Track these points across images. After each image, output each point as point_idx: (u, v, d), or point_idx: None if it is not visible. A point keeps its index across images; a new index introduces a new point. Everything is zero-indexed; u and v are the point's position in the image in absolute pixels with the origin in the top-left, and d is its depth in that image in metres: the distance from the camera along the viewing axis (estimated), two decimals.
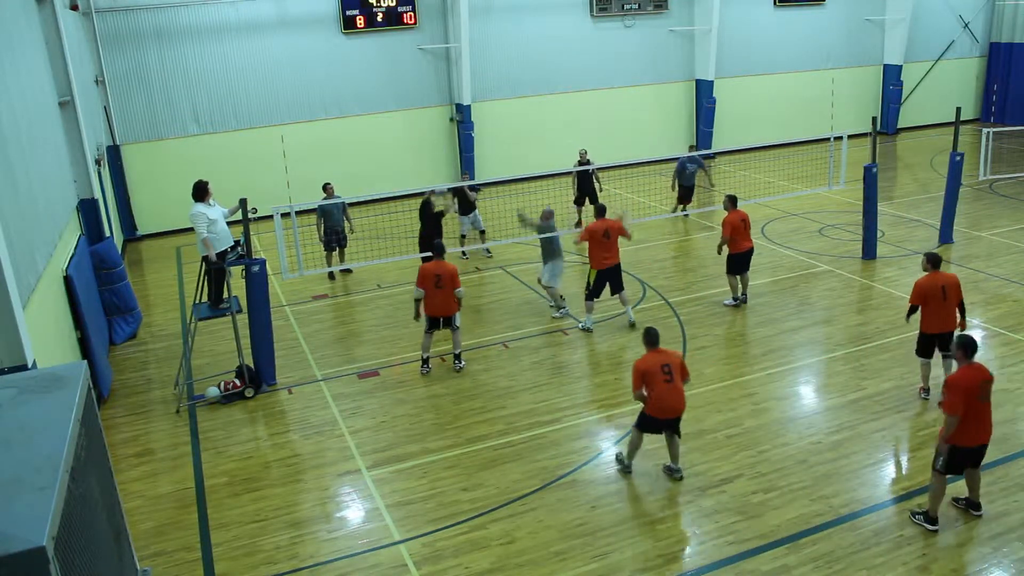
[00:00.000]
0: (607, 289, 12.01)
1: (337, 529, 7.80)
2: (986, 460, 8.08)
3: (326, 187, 15.02)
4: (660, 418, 7.96)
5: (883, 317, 12.01)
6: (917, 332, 9.36)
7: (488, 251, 16.29)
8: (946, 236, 15.19)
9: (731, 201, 12.48)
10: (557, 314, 12.70)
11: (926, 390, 9.44)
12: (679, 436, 8.19)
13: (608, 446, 8.95)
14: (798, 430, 8.95)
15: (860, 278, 13.78)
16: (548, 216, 12.50)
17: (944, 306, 9.01)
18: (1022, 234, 15.45)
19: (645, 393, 7.90)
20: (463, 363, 10.98)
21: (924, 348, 9.35)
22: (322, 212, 14.81)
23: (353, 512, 8.07)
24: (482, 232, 16.16)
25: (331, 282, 15.11)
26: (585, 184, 17.15)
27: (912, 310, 9.23)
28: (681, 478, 8.17)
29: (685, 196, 17.57)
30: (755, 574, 6.79)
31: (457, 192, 15.40)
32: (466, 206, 15.71)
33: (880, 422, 9.05)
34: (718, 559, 7.00)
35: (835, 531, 7.24)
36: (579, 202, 17.39)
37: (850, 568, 6.76)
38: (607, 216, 12.07)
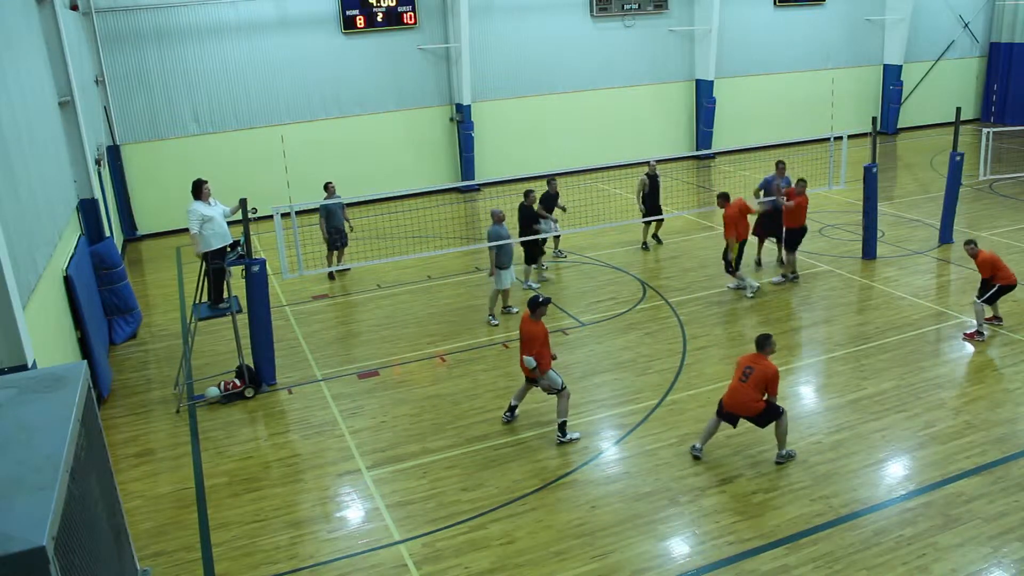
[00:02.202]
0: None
1: (337, 529, 7.80)
2: (986, 460, 8.14)
3: (328, 186, 15.03)
4: (724, 406, 8.33)
5: (883, 317, 12.01)
6: (995, 288, 10.92)
7: (561, 253, 15.81)
8: (946, 236, 15.19)
9: (802, 184, 13.58)
10: (496, 322, 12.68)
11: (981, 334, 11.07)
12: (774, 426, 8.30)
13: (608, 446, 8.95)
14: (798, 430, 8.94)
15: (860, 278, 13.77)
16: (500, 219, 12.37)
17: (1006, 265, 11.10)
18: (1022, 234, 15.45)
19: None
20: (564, 437, 9.02)
21: (995, 298, 11.13)
22: (326, 211, 14.82)
23: (353, 512, 8.07)
24: (556, 237, 15.64)
25: (331, 282, 15.11)
26: (653, 197, 15.59)
27: (989, 283, 11.00)
28: (779, 462, 8.35)
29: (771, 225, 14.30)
30: (755, 574, 6.79)
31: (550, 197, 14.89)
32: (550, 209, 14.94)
33: (880, 422, 9.06)
34: (718, 559, 7.00)
35: (835, 531, 7.25)
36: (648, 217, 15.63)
37: (850, 568, 6.76)
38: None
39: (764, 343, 8.28)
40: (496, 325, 12.55)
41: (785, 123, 24.44)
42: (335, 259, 15.16)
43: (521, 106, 22.53)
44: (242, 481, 8.67)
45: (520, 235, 13.76)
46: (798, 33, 25.19)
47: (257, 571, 7.21)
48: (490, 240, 12.26)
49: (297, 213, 11.46)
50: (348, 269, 15.36)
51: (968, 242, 11.27)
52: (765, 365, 8.17)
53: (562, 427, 9.04)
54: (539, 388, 9.22)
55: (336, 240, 14.97)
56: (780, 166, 14.52)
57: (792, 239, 13.58)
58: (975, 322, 11.18)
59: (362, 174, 20.30)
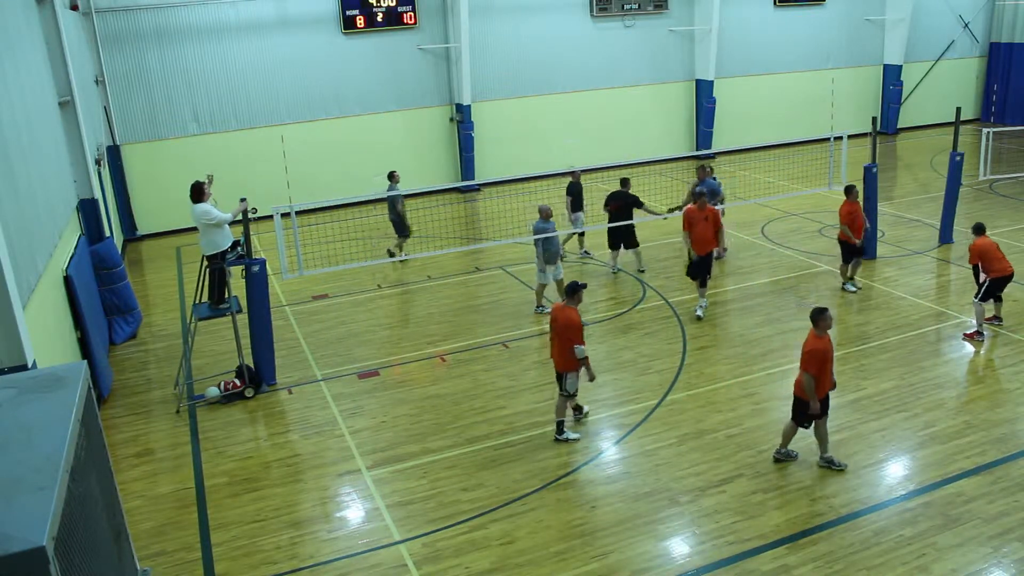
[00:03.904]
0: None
1: (337, 529, 7.80)
2: (986, 460, 8.14)
3: (392, 175, 15.64)
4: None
5: (883, 317, 12.00)
6: (987, 282, 10.80)
7: (587, 252, 15.74)
8: (946, 236, 15.19)
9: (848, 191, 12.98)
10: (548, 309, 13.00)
11: (981, 335, 11.02)
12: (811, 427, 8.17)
13: (608, 446, 8.94)
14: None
15: (860, 278, 13.76)
16: (547, 215, 12.36)
17: (1001, 256, 10.90)
18: (1022, 234, 15.45)
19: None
20: (561, 435, 9.00)
21: (990, 293, 10.95)
22: (392, 201, 15.39)
23: (353, 512, 8.07)
24: (581, 234, 15.60)
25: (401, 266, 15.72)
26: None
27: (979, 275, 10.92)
28: (777, 458, 8.39)
29: None
30: (755, 574, 6.79)
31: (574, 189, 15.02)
32: (578, 202, 15.04)
33: (880, 422, 9.05)
34: (718, 559, 7.00)
35: (835, 531, 7.25)
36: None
37: (850, 568, 6.76)
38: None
39: (813, 317, 7.89)
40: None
41: (785, 123, 24.45)
42: (398, 248, 15.82)
43: (521, 106, 22.52)
44: (242, 481, 8.67)
45: (615, 221, 14.19)
46: (798, 33, 25.19)
47: (257, 571, 7.21)
48: (536, 235, 12.41)
49: (297, 213, 11.46)
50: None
51: (975, 227, 11.23)
52: (807, 341, 7.84)
53: (560, 426, 9.04)
54: (563, 387, 8.80)
55: (398, 230, 15.64)
56: (701, 171, 14.55)
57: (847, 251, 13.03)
58: (975, 322, 11.18)
59: (362, 174, 20.31)
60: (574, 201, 14.94)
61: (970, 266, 11.26)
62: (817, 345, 7.80)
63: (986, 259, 10.88)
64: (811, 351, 7.78)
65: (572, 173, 15.16)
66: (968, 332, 11.18)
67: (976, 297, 11.06)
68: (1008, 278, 10.94)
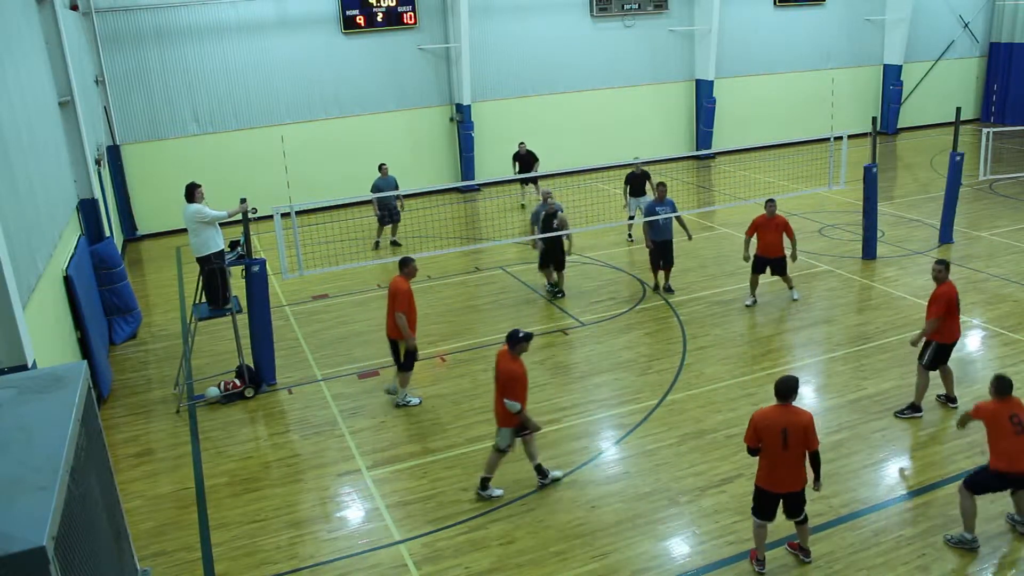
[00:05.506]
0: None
1: (337, 529, 7.80)
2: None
3: (382, 167, 16.55)
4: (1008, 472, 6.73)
5: (883, 317, 12.00)
6: (932, 346, 8.84)
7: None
8: (946, 236, 15.19)
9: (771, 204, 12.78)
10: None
11: (918, 409, 9.18)
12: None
13: (608, 446, 8.94)
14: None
15: (860, 278, 13.77)
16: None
17: (958, 315, 8.91)
18: (1022, 234, 15.45)
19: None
20: (484, 491, 8.09)
21: (936, 362, 8.97)
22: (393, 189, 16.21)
23: (353, 512, 8.07)
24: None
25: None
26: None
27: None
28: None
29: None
30: (755, 574, 6.78)
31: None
32: (637, 188, 15.94)
33: (880, 422, 9.05)
34: (718, 559, 7.00)
35: (835, 531, 7.25)
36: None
37: (850, 568, 6.76)
38: None
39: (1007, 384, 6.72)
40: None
41: (785, 123, 24.45)
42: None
43: (521, 106, 22.52)
44: (242, 481, 8.67)
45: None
46: (798, 33, 25.19)
47: (257, 571, 7.22)
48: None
49: (297, 213, 11.45)
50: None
51: (938, 263, 8.88)
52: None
53: (484, 482, 8.09)
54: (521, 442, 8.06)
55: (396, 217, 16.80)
56: (661, 188, 13.22)
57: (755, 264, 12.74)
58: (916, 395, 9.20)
59: (362, 174, 20.24)
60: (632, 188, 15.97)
61: (929, 317, 8.75)
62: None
63: (952, 309, 8.64)
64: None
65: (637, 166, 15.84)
66: (902, 409, 9.17)
67: (922, 361, 8.97)
68: (953, 345, 8.96)
